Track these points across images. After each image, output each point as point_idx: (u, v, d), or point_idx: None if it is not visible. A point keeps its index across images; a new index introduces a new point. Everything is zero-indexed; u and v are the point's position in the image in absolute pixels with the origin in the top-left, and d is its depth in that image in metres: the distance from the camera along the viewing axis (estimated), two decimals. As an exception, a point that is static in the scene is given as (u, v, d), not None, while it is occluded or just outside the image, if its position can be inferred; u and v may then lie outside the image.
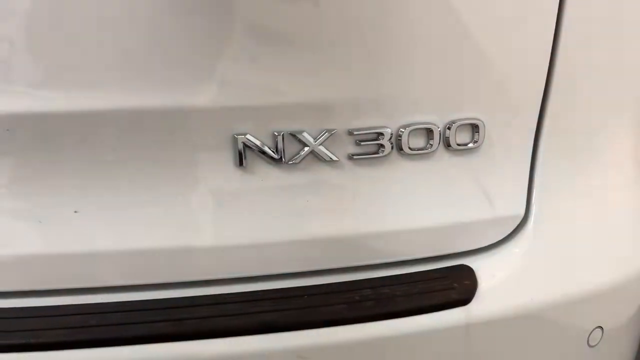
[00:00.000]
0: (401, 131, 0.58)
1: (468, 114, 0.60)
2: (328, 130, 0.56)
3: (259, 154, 0.56)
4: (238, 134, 0.55)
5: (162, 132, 0.54)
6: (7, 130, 0.52)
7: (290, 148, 0.56)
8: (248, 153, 0.56)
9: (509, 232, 0.64)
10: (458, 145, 0.60)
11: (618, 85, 0.65)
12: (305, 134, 0.56)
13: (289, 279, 0.59)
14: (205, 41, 0.52)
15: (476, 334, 0.59)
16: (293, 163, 0.57)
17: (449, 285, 0.59)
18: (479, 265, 0.63)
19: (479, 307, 0.59)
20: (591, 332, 0.66)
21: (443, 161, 0.61)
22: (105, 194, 0.55)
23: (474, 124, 0.60)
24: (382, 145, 0.58)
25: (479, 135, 0.60)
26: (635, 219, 0.70)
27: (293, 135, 0.56)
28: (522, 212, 0.64)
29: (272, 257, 0.58)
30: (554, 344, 0.64)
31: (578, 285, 0.64)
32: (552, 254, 0.64)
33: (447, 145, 0.60)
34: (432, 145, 0.59)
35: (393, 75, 0.56)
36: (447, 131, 0.59)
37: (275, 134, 0.56)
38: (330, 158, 0.57)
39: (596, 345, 0.67)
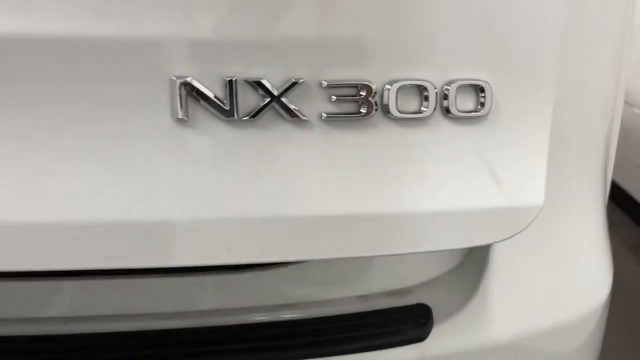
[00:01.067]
0: (387, 88, 0.46)
1: (470, 72, 0.48)
2: (295, 80, 0.44)
3: (205, 104, 0.43)
4: (178, 77, 0.43)
5: (79, 68, 0.42)
6: None
7: (246, 100, 0.44)
8: (190, 102, 0.43)
9: (523, 227, 0.51)
10: (460, 111, 0.48)
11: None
12: (265, 82, 0.44)
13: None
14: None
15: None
16: (248, 119, 0.44)
17: (405, 324, 0.59)
18: (435, 300, 0.64)
19: (435, 344, 0.60)
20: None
21: (441, 130, 0.48)
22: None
23: (478, 85, 0.48)
24: (363, 103, 0.46)
25: (485, 100, 0.48)
26: (590, 254, 0.69)
27: (249, 83, 0.44)
28: (540, 201, 0.51)
29: (215, 239, 0.44)
30: None
31: (534, 321, 0.65)
32: (511, 288, 0.64)
33: (447, 110, 0.48)
34: (426, 108, 0.47)
35: (378, 14, 0.45)
36: (445, 93, 0.48)
37: (227, 79, 0.43)
38: (297, 116, 0.45)
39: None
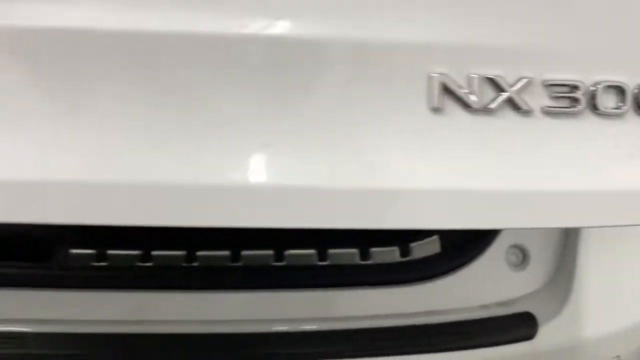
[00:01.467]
0: (592, 89, 0.56)
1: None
2: (525, 78, 0.54)
3: (455, 97, 0.53)
4: (436, 73, 0.52)
5: (353, 67, 0.52)
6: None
7: (486, 93, 0.54)
8: (445, 95, 0.53)
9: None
10: (648, 108, 0.57)
11: None
12: (502, 79, 0.53)
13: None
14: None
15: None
16: (487, 110, 0.53)
17: (518, 326, 0.84)
18: (537, 308, 0.85)
19: (540, 342, 0.83)
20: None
21: (635, 124, 0.57)
22: (294, 130, 0.51)
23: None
24: (576, 99, 0.55)
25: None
26: None
27: (490, 79, 0.53)
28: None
29: (469, 205, 0.53)
30: None
31: (611, 325, 0.86)
32: (592, 299, 0.85)
33: (638, 107, 0.57)
34: (624, 105, 0.56)
35: (595, 28, 0.55)
36: (636, 93, 0.57)
37: (472, 76, 0.53)
38: (527, 108, 0.54)
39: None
